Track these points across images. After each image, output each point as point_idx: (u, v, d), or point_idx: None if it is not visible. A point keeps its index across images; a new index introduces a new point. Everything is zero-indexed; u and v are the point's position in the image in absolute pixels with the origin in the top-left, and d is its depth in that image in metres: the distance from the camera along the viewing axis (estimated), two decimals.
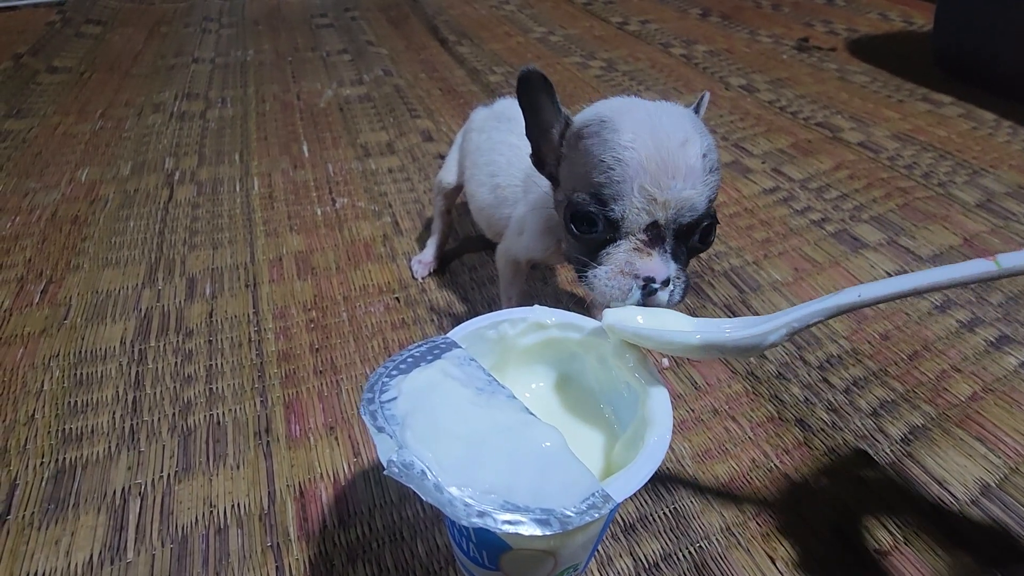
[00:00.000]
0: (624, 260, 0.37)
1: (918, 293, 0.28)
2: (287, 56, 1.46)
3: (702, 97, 0.44)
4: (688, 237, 0.38)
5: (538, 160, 0.44)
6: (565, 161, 0.41)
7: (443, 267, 0.76)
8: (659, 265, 0.36)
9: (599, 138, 0.37)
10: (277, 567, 0.44)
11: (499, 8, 1.84)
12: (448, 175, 0.70)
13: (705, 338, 0.32)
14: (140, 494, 0.49)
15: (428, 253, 0.75)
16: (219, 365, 0.61)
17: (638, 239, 0.36)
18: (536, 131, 0.42)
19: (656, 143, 0.35)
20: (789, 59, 1.47)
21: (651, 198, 0.35)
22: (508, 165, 0.56)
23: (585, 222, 0.38)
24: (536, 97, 0.40)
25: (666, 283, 0.36)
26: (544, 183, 0.49)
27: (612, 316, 0.36)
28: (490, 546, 0.33)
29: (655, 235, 0.36)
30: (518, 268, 0.58)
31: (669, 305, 0.37)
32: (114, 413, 0.56)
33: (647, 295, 0.36)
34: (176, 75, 1.34)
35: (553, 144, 0.42)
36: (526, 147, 0.55)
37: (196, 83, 1.30)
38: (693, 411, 0.57)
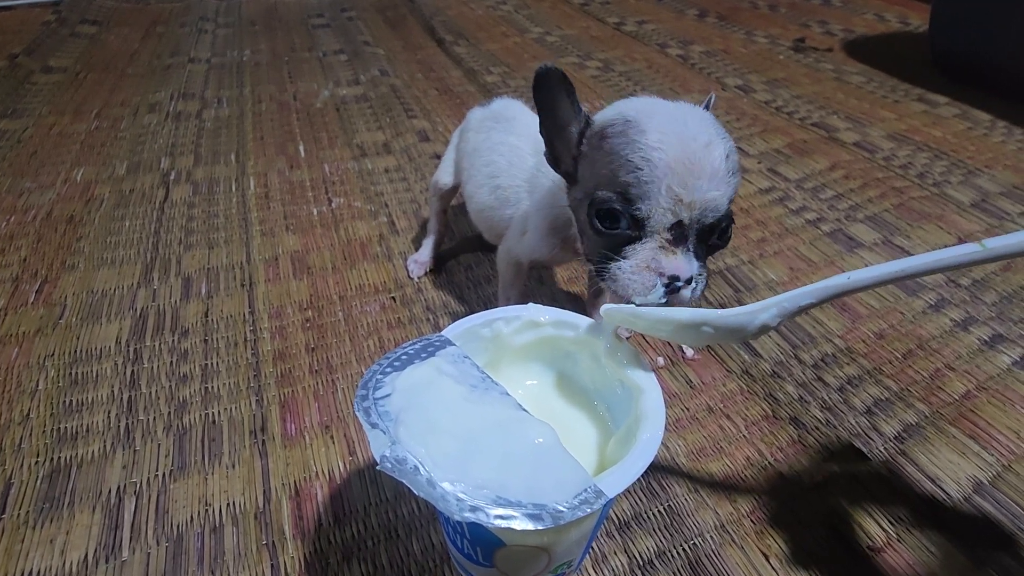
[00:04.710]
0: (650, 257, 0.37)
1: (908, 277, 0.27)
2: (283, 56, 1.46)
3: (709, 98, 0.45)
4: (709, 236, 0.38)
5: (553, 158, 0.44)
6: (585, 160, 0.41)
7: (439, 267, 0.76)
8: (683, 263, 0.37)
9: (625, 138, 0.37)
10: (272, 565, 0.44)
11: (496, 8, 1.84)
12: (444, 176, 0.70)
13: (694, 315, 0.32)
14: (135, 493, 0.49)
15: (424, 253, 0.75)
16: (215, 364, 0.61)
17: (663, 238, 0.37)
18: (551, 129, 0.42)
19: (683, 145, 0.36)
20: (785, 59, 1.48)
21: (677, 199, 0.36)
22: (509, 166, 0.56)
23: (609, 219, 0.38)
24: (553, 95, 0.40)
25: (689, 281, 0.37)
26: (549, 182, 0.49)
27: (608, 306, 0.37)
28: (484, 542, 0.33)
29: (679, 234, 0.37)
30: (520, 269, 0.58)
31: (691, 301, 0.38)
32: (109, 412, 0.56)
33: (670, 292, 0.37)
34: (172, 75, 1.34)
35: (570, 142, 0.42)
36: (527, 147, 0.55)
37: (192, 83, 1.30)
38: (688, 409, 0.58)
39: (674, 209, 0.36)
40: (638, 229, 0.37)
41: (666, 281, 0.36)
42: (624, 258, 0.38)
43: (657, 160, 0.35)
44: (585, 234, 0.42)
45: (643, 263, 0.37)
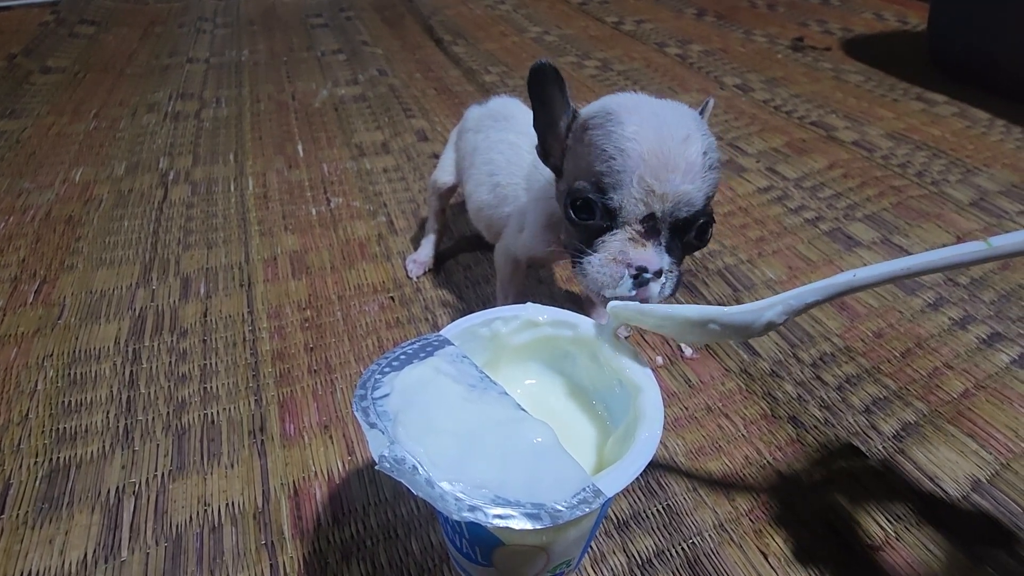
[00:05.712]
0: (618, 249, 0.37)
1: (912, 275, 0.27)
2: (282, 56, 1.46)
3: (707, 103, 0.45)
4: (684, 232, 0.38)
5: (544, 152, 0.44)
6: (570, 152, 0.41)
7: (438, 266, 0.76)
8: (652, 256, 0.37)
9: (603, 129, 0.37)
10: (271, 565, 0.44)
11: (494, 8, 1.84)
12: (443, 175, 0.70)
13: (701, 313, 0.32)
14: (134, 493, 0.49)
15: (423, 252, 0.75)
16: (213, 364, 0.61)
17: (634, 229, 0.37)
18: (544, 123, 0.43)
19: (658, 137, 0.36)
20: (784, 58, 1.48)
21: (649, 190, 0.36)
22: (508, 164, 0.56)
23: (583, 209, 0.38)
24: (547, 90, 0.41)
25: (658, 274, 0.37)
26: (546, 178, 0.49)
27: (614, 303, 0.37)
28: (483, 542, 0.33)
29: (651, 227, 0.37)
30: (517, 266, 0.58)
31: (660, 298, 0.38)
32: (108, 412, 0.56)
33: (638, 285, 0.37)
34: (171, 75, 1.34)
35: (560, 136, 0.42)
36: (525, 144, 0.55)
37: (191, 83, 1.30)
38: (687, 409, 0.58)
39: (646, 200, 0.36)
40: (610, 220, 0.38)
41: (634, 272, 0.37)
42: (595, 252, 0.38)
43: (631, 150, 0.36)
44: (564, 227, 0.42)
45: (611, 256, 0.37)
